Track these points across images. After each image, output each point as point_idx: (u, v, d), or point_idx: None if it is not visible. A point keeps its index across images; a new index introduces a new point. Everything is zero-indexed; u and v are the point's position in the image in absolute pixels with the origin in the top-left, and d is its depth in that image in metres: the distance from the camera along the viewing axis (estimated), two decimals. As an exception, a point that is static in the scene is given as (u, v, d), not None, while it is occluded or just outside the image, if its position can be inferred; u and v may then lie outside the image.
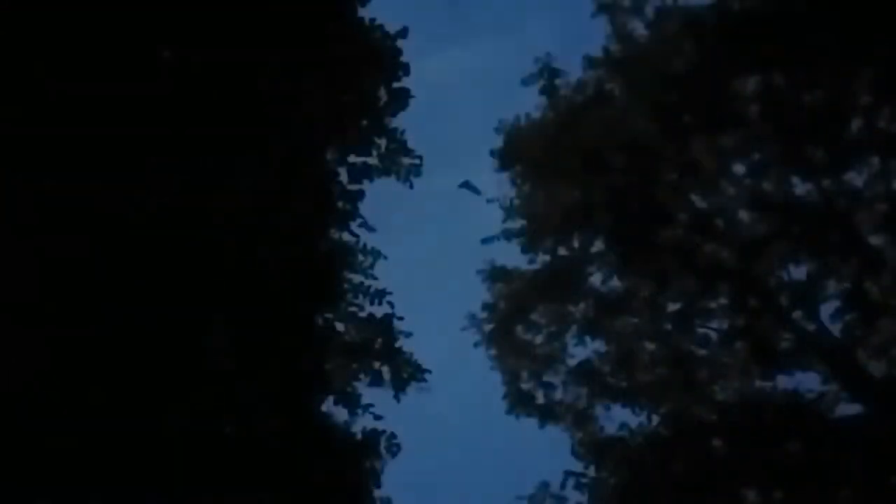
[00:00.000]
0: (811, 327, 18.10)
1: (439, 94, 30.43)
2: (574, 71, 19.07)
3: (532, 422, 19.62)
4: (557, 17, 33.03)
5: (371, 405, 12.26)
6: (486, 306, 19.98)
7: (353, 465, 11.54)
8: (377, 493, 11.84)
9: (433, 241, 32.99)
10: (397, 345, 12.59)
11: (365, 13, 11.74)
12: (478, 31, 37.15)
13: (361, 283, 12.52)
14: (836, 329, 17.79)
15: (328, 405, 12.04)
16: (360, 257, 12.42)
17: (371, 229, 12.27)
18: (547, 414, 19.54)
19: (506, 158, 19.43)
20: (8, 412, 8.67)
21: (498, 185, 19.60)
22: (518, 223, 19.48)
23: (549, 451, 20.81)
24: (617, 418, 18.96)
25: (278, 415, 10.65)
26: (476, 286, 19.96)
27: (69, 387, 8.95)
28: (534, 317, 19.90)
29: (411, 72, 11.94)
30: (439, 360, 13.88)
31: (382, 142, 12.20)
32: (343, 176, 12.08)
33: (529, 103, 19.41)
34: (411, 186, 12.37)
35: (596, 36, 18.68)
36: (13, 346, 8.76)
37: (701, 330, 18.80)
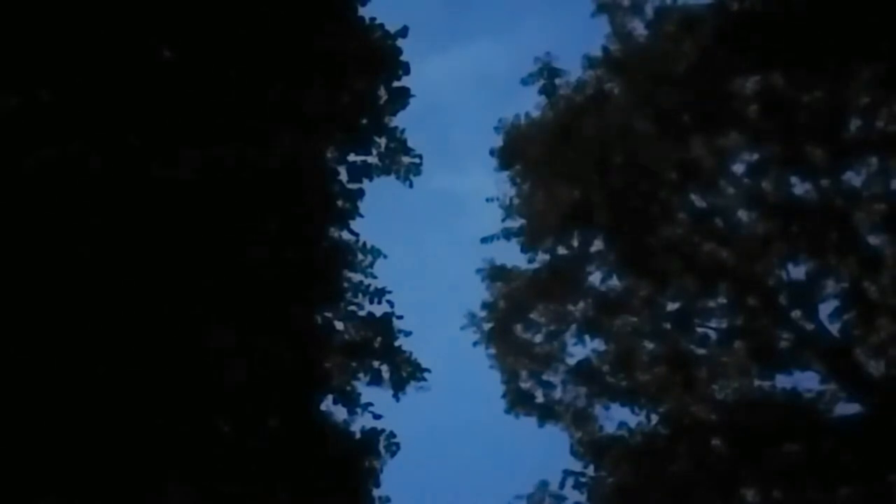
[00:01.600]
0: (810, 327, 18.12)
1: (438, 96, 30.53)
2: (573, 71, 19.13)
3: (531, 421, 19.66)
4: (555, 18, 33.10)
5: (370, 404, 12.27)
6: (485, 305, 19.99)
7: (352, 464, 11.55)
8: (376, 492, 11.85)
9: (433, 241, 33.05)
10: (397, 344, 12.60)
11: (365, 12, 11.77)
12: (476, 32, 37.26)
13: (361, 281, 12.54)
14: (834, 328, 17.84)
15: (327, 404, 12.06)
16: (360, 256, 12.43)
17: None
18: (546, 413, 19.54)
19: (506, 158, 19.43)
20: (7, 412, 8.68)
21: (498, 184, 19.66)
22: (518, 222, 19.50)
23: (547, 451, 20.85)
24: (616, 417, 19.00)
25: (277, 414, 10.66)
26: (476, 286, 20.00)
27: (68, 387, 8.95)
28: (533, 316, 19.90)
29: (411, 73, 11.96)
30: (439, 360, 13.88)
31: (382, 141, 12.21)
32: (343, 175, 12.10)
33: (529, 104, 19.46)
34: (411, 185, 12.39)
35: (594, 37, 18.74)
36: (11, 347, 8.77)
37: (700, 329, 18.82)
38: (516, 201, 19.53)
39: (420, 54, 12.16)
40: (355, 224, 12.18)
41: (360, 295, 12.52)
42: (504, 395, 19.67)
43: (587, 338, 19.43)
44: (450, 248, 33.52)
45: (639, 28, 18.60)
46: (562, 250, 19.39)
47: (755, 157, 18.19)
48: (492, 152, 19.46)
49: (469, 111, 35.48)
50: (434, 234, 34.11)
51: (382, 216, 13.33)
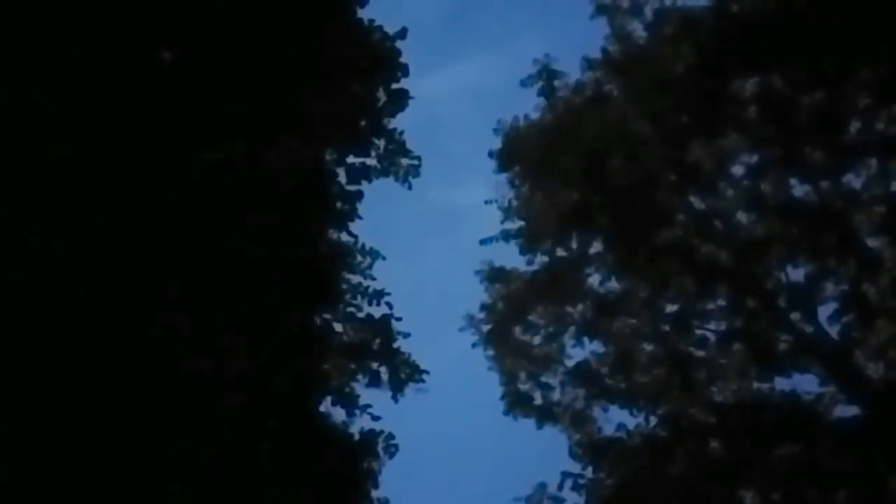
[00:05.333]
0: (809, 329, 18.11)
1: (436, 111, 30.72)
2: (571, 74, 19.14)
3: (530, 422, 19.65)
4: (552, 32, 33.28)
5: (369, 405, 12.26)
6: (484, 307, 19.97)
7: (351, 465, 11.53)
8: (375, 493, 11.84)
9: (430, 253, 33.16)
10: (395, 345, 12.59)
11: (364, 14, 11.76)
12: (473, 47, 37.52)
13: (359, 283, 12.53)
14: (834, 331, 17.84)
15: (326, 405, 12.06)
16: (359, 258, 12.42)
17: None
18: (545, 415, 19.52)
19: (505, 159, 19.43)
20: (7, 413, 8.67)
21: (496, 186, 19.66)
22: (516, 224, 19.49)
23: (546, 452, 20.85)
24: (615, 419, 18.98)
25: (276, 415, 10.65)
26: (473, 295, 20.01)
27: (68, 387, 8.94)
28: (532, 318, 19.89)
29: (409, 83, 11.97)
30: (439, 364, 13.90)
31: (381, 142, 12.20)
32: (342, 176, 12.09)
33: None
34: (410, 187, 12.38)
35: (590, 50, 18.81)
36: (12, 348, 8.76)
37: (699, 331, 18.80)
38: (515, 203, 19.53)
39: (418, 69, 12.19)
40: (354, 226, 12.19)
41: (358, 296, 12.53)
42: (503, 397, 19.67)
43: (586, 339, 19.44)
44: (447, 259, 33.70)
45: (638, 29, 18.64)
46: (561, 252, 19.38)
47: (754, 158, 18.20)
48: (490, 154, 19.48)
49: (466, 125, 35.86)
50: (431, 246, 34.34)
51: (380, 228, 13.37)
